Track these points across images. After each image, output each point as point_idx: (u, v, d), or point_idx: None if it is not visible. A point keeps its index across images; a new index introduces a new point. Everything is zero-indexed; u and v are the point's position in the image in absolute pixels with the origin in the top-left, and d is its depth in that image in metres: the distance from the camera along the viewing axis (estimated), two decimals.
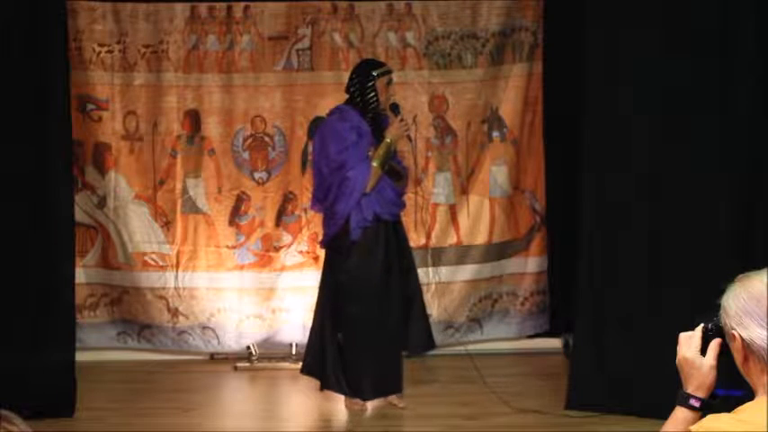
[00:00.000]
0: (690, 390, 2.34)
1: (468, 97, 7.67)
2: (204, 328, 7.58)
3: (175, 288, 7.58)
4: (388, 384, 6.31)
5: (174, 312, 7.58)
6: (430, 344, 6.48)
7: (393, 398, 6.38)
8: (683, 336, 2.38)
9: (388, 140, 6.23)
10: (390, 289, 6.23)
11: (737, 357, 2.24)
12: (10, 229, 6.07)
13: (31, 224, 6.10)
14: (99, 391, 6.74)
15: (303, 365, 6.52)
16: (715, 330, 2.31)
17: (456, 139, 7.71)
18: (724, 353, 2.30)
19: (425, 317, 6.51)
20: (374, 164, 6.18)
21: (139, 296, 7.58)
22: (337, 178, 6.16)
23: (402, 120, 6.33)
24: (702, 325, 2.35)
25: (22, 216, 6.09)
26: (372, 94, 6.22)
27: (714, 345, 2.32)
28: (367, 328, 6.16)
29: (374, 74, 6.24)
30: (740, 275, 2.27)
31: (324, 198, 6.26)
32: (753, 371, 2.21)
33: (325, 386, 6.37)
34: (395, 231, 6.32)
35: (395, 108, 6.37)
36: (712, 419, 2.21)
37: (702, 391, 2.32)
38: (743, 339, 2.21)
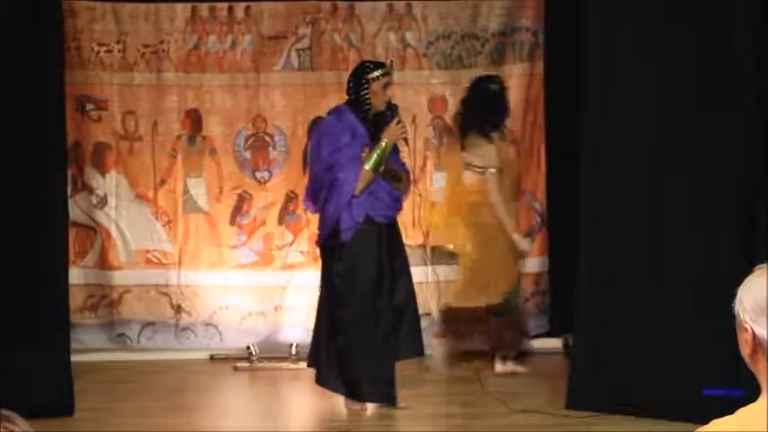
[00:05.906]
0: None
1: None
2: (207, 325, 7.60)
3: (178, 285, 7.60)
4: (383, 390, 6.26)
5: (178, 309, 7.59)
6: (419, 349, 6.40)
7: None
8: None
9: (383, 143, 6.17)
10: (382, 292, 6.18)
11: (745, 349, 2.22)
12: (5, 230, 6.05)
13: (27, 225, 6.08)
14: (98, 392, 6.74)
15: (308, 360, 6.48)
16: None
17: None
18: None
19: (417, 322, 6.41)
20: (365, 166, 6.12)
21: (142, 293, 7.60)
22: (328, 179, 6.11)
23: (399, 122, 6.29)
24: None
25: (18, 217, 6.07)
26: (366, 98, 6.17)
27: None
28: (359, 330, 6.11)
29: (368, 78, 6.18)
30: (761, 266, 2.23)
31: (315, 198, 6.23)
32: (760, 365, 2.20)
33: (320, 382, 6.33)
34: (389, 234, 6.26)
35: (392, 111, 6.33)
36: (715, 424, 2.20)
37: None
38: (755, 335, 2.19)
